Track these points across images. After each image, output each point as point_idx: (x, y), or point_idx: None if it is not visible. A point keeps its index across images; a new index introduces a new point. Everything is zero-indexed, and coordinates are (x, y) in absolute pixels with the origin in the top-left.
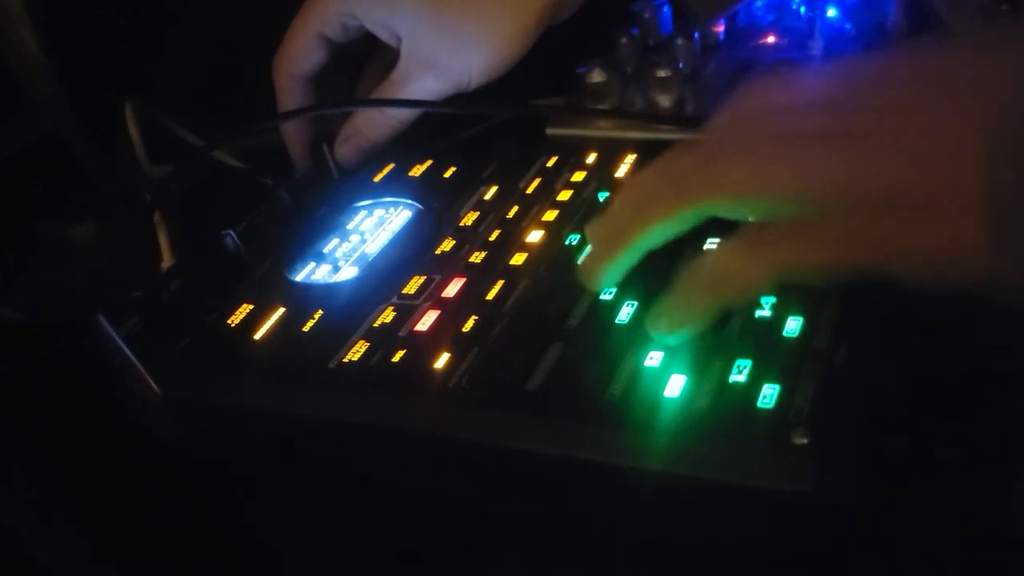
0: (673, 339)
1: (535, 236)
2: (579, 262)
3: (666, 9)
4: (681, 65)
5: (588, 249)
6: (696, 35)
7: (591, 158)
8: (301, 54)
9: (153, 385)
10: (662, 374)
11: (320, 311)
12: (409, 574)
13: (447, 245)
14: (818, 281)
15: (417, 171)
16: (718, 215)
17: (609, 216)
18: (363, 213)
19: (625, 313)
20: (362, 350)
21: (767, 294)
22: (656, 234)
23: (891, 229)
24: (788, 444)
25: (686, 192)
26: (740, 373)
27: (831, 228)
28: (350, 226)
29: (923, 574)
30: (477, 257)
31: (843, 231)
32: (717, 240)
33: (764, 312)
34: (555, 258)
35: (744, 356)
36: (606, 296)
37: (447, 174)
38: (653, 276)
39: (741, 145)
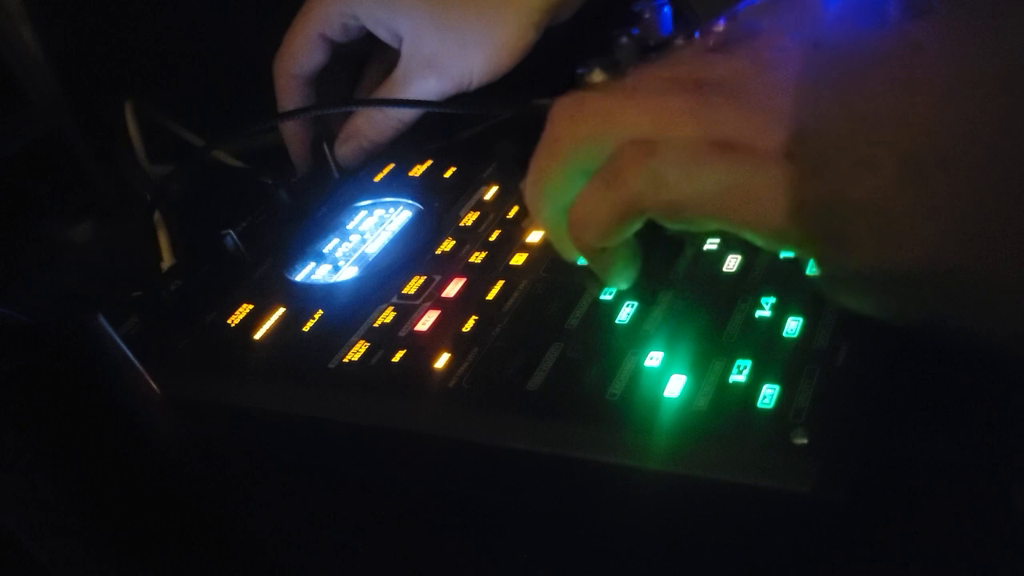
0: (608, 290)
1: (535, 236)
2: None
3: (666, 9)
4: None
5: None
6: (696, 35)
7: None
8: (301, 54)
9: (153, 385)
10: (662, 374)
11: (320, 311)
12: (409, 574)
13: (447, 245)
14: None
15: (417, 171)
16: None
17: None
18: (363, 213)
19: (625, 313)
20: (362, 350)
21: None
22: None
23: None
24: (788, 444)
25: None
26: (740, 373)
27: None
28: (350, 226)
29: (923, 574)
30: (477, 257)
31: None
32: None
33: (764, 312)
34: (555, 258)
35: (744, 356)
36: (606, 296)
37: (447, 174)
38: (650, 277)
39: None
